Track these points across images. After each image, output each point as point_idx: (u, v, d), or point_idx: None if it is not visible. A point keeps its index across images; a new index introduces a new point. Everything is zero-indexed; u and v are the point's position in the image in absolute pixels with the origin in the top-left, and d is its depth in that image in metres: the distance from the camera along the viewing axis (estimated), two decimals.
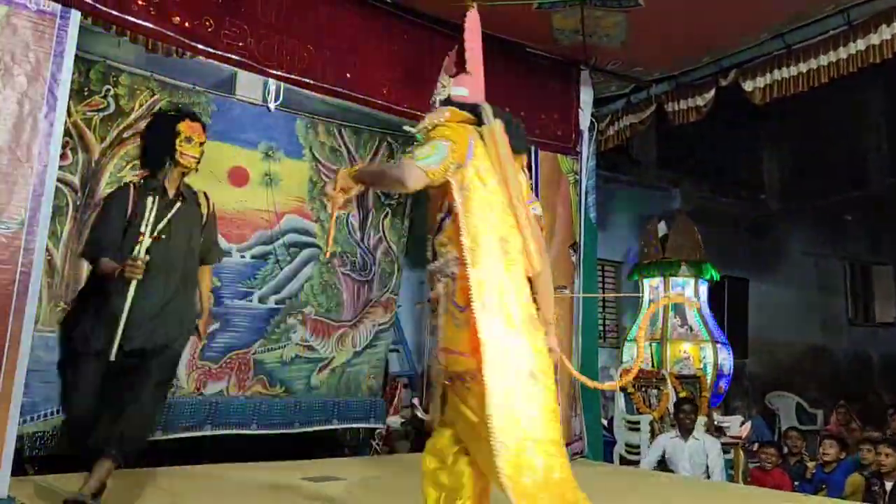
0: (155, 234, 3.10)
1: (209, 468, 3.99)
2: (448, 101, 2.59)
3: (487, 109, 2.51)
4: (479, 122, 2.52)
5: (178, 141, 3.16)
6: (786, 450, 6.08)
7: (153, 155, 3.19)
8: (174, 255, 3.19)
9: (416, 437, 6.09)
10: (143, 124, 4.94)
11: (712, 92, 5.56)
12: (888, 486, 4.91)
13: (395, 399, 6.51)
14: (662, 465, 5.78)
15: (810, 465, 5.64)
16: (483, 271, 2.28)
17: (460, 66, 2.71)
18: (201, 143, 3.24)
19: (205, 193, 3.43)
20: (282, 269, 5.61)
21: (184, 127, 3.18)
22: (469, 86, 2.66)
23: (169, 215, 3.16)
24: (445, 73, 2.71)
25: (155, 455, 4.56)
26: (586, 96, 5.80)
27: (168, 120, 3.23)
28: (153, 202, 3.12)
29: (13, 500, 3.16)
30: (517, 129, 2.64)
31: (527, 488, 2.15)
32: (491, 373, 2.19)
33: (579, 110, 5.76)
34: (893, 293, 11.30)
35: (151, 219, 3.11)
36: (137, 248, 3.05)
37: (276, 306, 5.57)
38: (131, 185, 3.22)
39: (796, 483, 5.49)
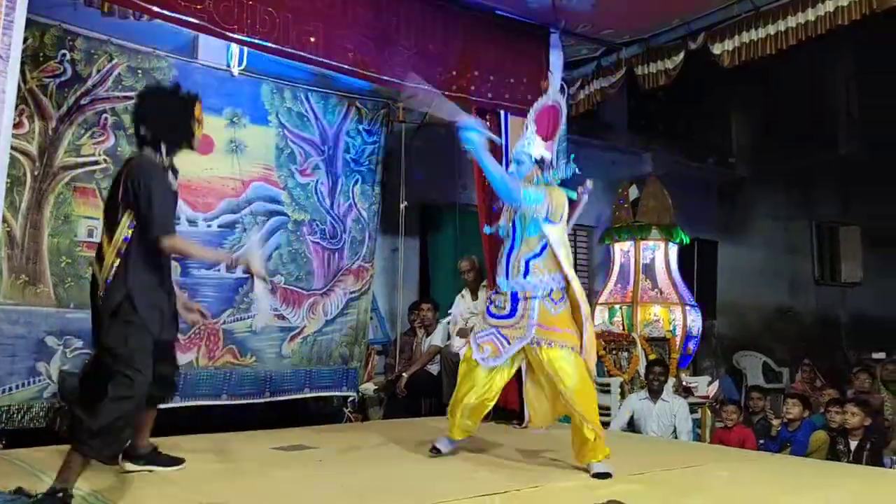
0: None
1: (177, 440, 3.96)
2: (542, 161, 3.67)
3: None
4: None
5: (194, 124, 3.13)
6: (751, 410, 6.19)
7: (174, 136, 3.10)
8: None
9: (388, 402, 6.11)
10: (101, 91, 4.89)
11: (682, 55, 5.53)
12: (853, 444, 5.03)
13: (369, 366, 6.52)
14: (631, 425, 5.87)
15: (775, 422, 5.75)
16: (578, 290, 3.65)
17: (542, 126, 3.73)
18: None
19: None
20: (250, 237, 5.54)
21: (198, 110, 3.14)
22: (551, 151, 3.74)
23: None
24: (537, 133, 3.69)
25: None
26: (556, 60, 5.73)
27: (186, 101, 3.13)
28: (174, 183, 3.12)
29: None
30: None
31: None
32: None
33: (549, 74, 5.70)
34: (860, 253, 11.45)
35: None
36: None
37: (244, 276, 5.46)
38: (161, 165, 3.11)
39: (761, 441, 5.60)
